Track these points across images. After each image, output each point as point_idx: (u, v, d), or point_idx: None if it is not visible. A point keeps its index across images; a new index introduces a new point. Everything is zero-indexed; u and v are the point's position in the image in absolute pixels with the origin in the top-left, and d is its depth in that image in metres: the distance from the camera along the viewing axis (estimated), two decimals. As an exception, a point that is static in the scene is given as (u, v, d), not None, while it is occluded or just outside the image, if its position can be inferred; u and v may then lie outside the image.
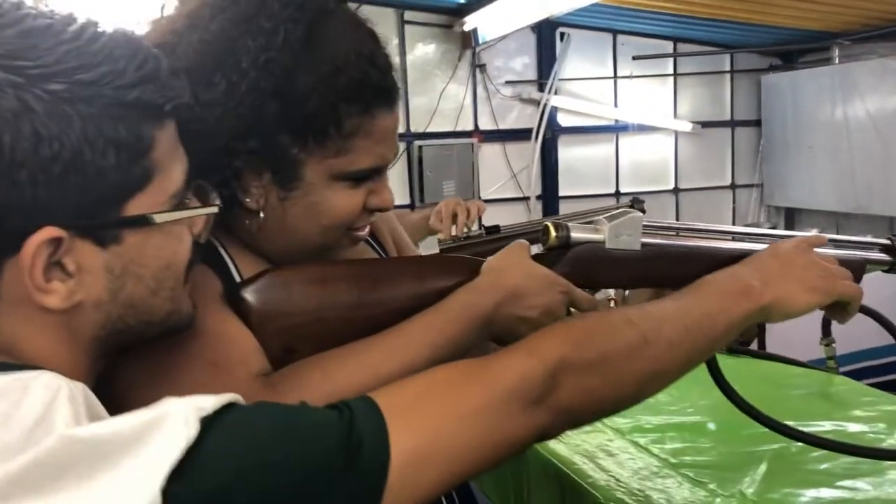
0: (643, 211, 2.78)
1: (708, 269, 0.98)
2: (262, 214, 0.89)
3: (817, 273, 0.96)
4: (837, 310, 1.02)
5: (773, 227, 8.26)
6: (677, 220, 8.25)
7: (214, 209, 0.76)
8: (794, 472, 1.32)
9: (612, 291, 1.17)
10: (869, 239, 1.26)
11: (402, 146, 7.17)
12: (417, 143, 7.10)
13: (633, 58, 7.66)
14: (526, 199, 7.70)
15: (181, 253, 0.72)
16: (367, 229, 0.97)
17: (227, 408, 0.60)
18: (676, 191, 8.33)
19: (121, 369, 0.77)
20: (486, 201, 7.47)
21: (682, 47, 7.97)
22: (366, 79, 0.87)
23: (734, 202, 8.54)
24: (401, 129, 7.17)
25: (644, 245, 1.00)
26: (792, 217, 8.39)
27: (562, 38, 7.61)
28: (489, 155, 7.53)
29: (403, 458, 0.64)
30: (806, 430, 1.52)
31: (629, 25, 7.55)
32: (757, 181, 8.49)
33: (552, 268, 0.96)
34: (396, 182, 7.06)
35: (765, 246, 1.05)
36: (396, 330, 0.86)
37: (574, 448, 1.50)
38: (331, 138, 0.87)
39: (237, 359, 0.81)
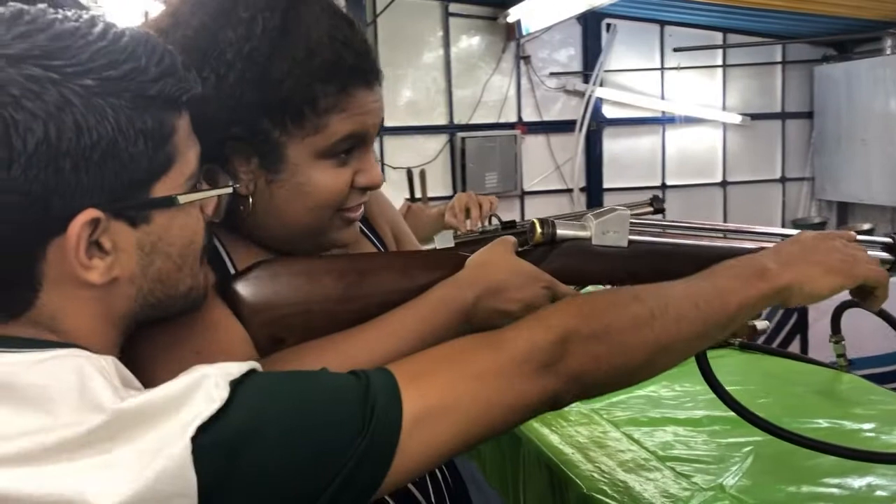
0: (662, 210, 2.75)
1: (697, 268, 0.97)
2: (251, 200, 0.92)
3: (839, 256, 0.93)
4: (865, 295, 0.99)
5: (824, 222, 8.08)
6: (725, 213, 8.14)
7: (229, 189, 0.84)
8: (780, 467, 1.33)
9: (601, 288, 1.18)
10: (874, 238, 1.24)
11: (444, 138, 7.22)
12: (460, 134, 7.13)
13: (674, 49, 7.56)
14: (569, 191, 7.67)
15: (200, 232, 0.79)
16: (360, 210, 0.98)
17: (252, 372, 0.68)
18: (724, 184, 8.19)
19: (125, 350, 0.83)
20: (529, 193, 7.52)
21: (732, 38, 7.83)
22: (340, 60, 0.89)
23: (784, 196, 8.36)
24: (444, 121, 7.23)
25: (632, 242, 1.01)
26: (844, 211, 8.18)
27: (608, 29, 7.54)
28: (532, 147, 7.52)
29: (415, 415, 0.69)
30: (800, 427, 1.53)
31: (677, 16, 7.44)
32: (808, 175, 8.30)
33: (538, 264, 0.97)
34: (439, 174, 7.11)
35: (759, 245, 1.05)
36: (374, 322, 0.89)
37: (567, 438, 1.53)
38: (307, 118, 0.89)
39: (222, 348, 0.84)
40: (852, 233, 1.06)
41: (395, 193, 4.01)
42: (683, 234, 1.10)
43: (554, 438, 1.54)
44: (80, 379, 0.63)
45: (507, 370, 0.75)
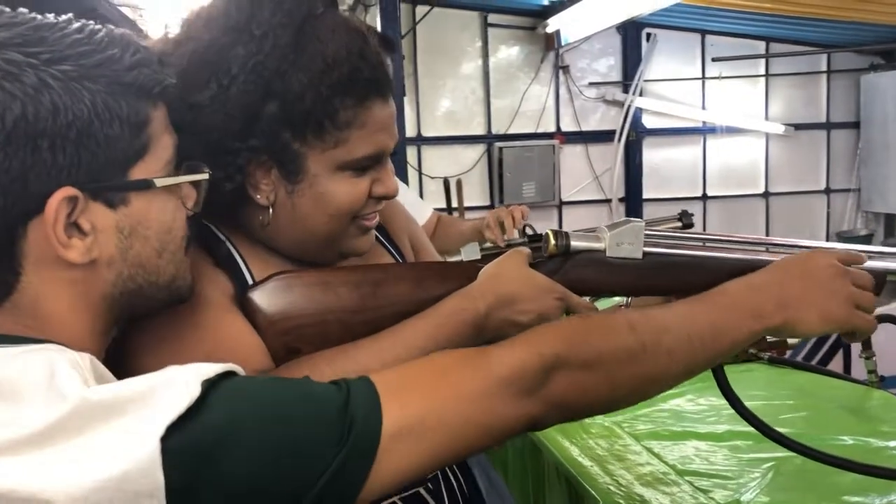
0: (691, 224, 2.72)
1: (713, 281, 0.97)
2: (271, 210, 0.94)
3: (839, 302, 0.92)
4: (846, 334, 1.00)
5: (871, 234, 7.90)
6: (767, 225, 8.01)
7: (205, 176, 0.83)
8: (800, 484, 1.31)
9: (618, 300, 1.17)
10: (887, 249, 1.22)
11: (482, 147, 7.24)
12: (498, 144, 7.14)
13: (713, 59, 7.47)
14: (608, 201, 7.63)
15: (179, 221, 0.80)
16: (374, 219, 1.00)
17: (229, 374, 0.67)
18: (767, 195, 8.07)
19: (130, 358, 0.84)
20: (567, 203, 7.49)
21: (776, 47, 7.72)
22: (356, 73, 0.91)
23: (829, 207, 8.21)
24: (481, 131, 7.25)
25: (647, 254, 1.01)
26: (892, 223, 8.00)
27: (648, 39, 7.50)
28: (571, 156, 7.50)
29: (394, 429, 0.68)
30: (824, 443, 1.51)
31: (718, 25, 7.37)
32: (854, 186, 8.14)
33: (552, 276, 0.97)
34: (476, 183, 7.13)
35: (776, 258, 1.04)
36: (387, 332, 0.90)
37: (586, 451, 1.53)
38: (328, 131, 0.91)
39: (237, 358, 0.82)
40: (864, 256, 1.03)
41: (432, 203, 4.04)
42: (699, 245, 1.09)
43: (573, 450, 1.54)
44: (50, 371, 0.63)
45: (490, 392, 0.74)
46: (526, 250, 1.01)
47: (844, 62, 7.94)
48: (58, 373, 0.63)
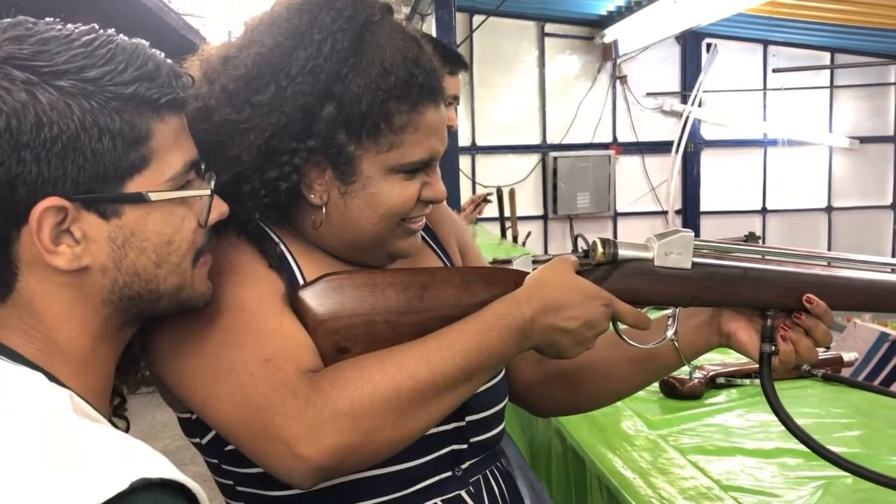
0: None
1: (761, 293, 0.98)
2: (324, 210, 0.96)
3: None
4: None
5: (939, 252, 7.64)
6: (829, 240, 7.81)
7: (205, 192, 0.83)
8: (848, 503, 1.27)
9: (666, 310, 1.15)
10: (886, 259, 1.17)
11: (537, 157, 7.22)
12: (553, 154, 7.12)
13: (774, 70, 7.33)
14: (664, 213, 7.53)
15: (183, 233, 0.81)
16: (421, 222, 1.01)
17: (160, 486, 0.66)
18: (829, 209, 7.87)
19: (183, 358, 0.87)
20: (622, 215, 7.42)
21: (841, 58, 7.54)
22: (411, 78, 0.93)
23: (895, 223, 7.95)
24: (536, 140, 7.24)
25: (696, 265, 0.99)
26: (962, 241, 7.73)
27: (708, 49, 7.39)
28: (627, 167, 7.43)
29: None
30: (876, 463, 1.46)
31: (782, 36, 7.23)
32: (922, 201, 7.89)
33: (599, 284, 0.97)
34: (530, 193, 7.11)
35: (828, 273, 1.01)
36: (434, 336, 0.91)
37: (629, 462, 1.51)
38: (383, 134, 0.93)
39: (289, 355, 0.85)
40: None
41: (485, 212, 4.04)
42: (750, 258, 1.07)
43: (616, 462, 1.52)
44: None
45: None
46: (573, 258, 1.01)
47: (914, 74, 7.72)
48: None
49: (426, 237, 1.12)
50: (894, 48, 7.30)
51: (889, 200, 7.96)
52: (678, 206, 7.58)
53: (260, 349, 0.86)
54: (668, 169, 7.45)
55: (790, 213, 7.81)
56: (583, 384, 1.12)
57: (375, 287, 0.94)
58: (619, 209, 7.46)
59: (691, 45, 7.33)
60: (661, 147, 7.43)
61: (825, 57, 7.55)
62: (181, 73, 0.82)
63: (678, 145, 7.38)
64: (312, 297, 0.91)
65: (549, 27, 7.13)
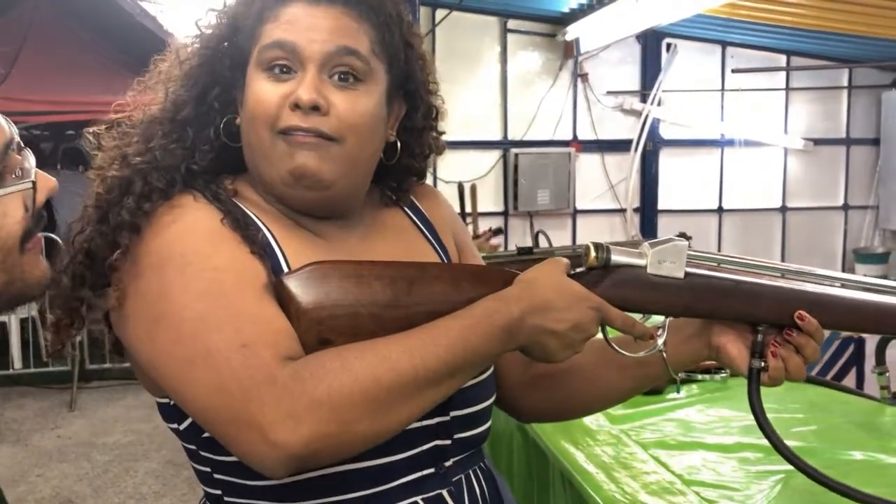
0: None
1: (753, 307, 0.96)
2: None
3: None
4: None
5: (888, 253, 7.83)
6: (783, 239, 7.96)
7: (25, 185, 0.83)
8: (807, 498, 1.29)
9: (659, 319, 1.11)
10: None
11: (498, 153, 7.23)
12: (514, 150, 7.13)
13: (733, 71, 7.45)
14: (623, 211, 7.60)
15: (7, 228, 0.80)
16: (304, 139, 0.93)
17: None
18: (784, 209, 8.02)
19: (159, 341, 0.85)
20: (582, 212, 7.47)
21: (797, 61, 7.69)
22: None
23: (846, 224, 8.15)
24: (498, 136, 7.25)
25: (688, 275, 0.97)
26: (910, 242, 7.93)
27: (668, 49, 7.47)
28: (587, 165, 7.48)
29: None
30: (834, 457, 1.48)
31: (740, 37, 7.34)
32: (872, 203, 8.07)
33: (590, 288, 0.95)
34: (491, 189, 7.11)
35: (819, 290, 0.99)
36: (419, 330, 0.89)
37: (592, 458, 1.51)
38: (254, 31, 0.95)
39: (268, 341, 0.83)
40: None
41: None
42: (741, 270, 1.05)
43: (579, 457, 1.52)
44: None
45: None
46: (564, 260, 0.98)
47: (866, 78, 7.89)
48: None
49: (423, 228, 1.10)
50: (847, 53, 7.45)
51: (841, 201, 8.14)
52: (636, 204, 7.65)
53: (238, 335, 0.83)
54: (627, 167, 7.52)
55: (746, 213, 7.94)
56: (568, 389, 1.10)
57: (361, 278, 0.91)
58: (579, 206, 7.51)
59: (651, 45, 7.40)
60: (621, 145, 7.49)
61: (781, 59, 7.68)
62: None
63: (637, 144, 7.45)
64: (297, 286, 0.89)
65: (511, 23, 7.13)
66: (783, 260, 8.05)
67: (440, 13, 6.75)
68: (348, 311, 0.89)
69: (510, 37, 7.16)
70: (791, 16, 6.40)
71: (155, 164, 0.93)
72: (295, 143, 0.93)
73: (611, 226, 7.58)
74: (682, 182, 7.75)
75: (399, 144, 1.04)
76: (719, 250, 7.91)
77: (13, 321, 5.71)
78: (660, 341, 0.98)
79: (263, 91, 0.93)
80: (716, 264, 1.01)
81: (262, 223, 0.95)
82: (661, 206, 7.68)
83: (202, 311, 0.84)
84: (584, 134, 7.43)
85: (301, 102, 0.91)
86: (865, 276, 1.14)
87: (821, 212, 8.08)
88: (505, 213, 7.30)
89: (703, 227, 7.82)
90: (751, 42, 7.43)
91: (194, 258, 0.87)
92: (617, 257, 0.96)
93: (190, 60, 0.98)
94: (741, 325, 0.98)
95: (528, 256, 2.42)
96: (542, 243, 5.56)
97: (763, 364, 0.95)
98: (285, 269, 0.93)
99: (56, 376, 5.67)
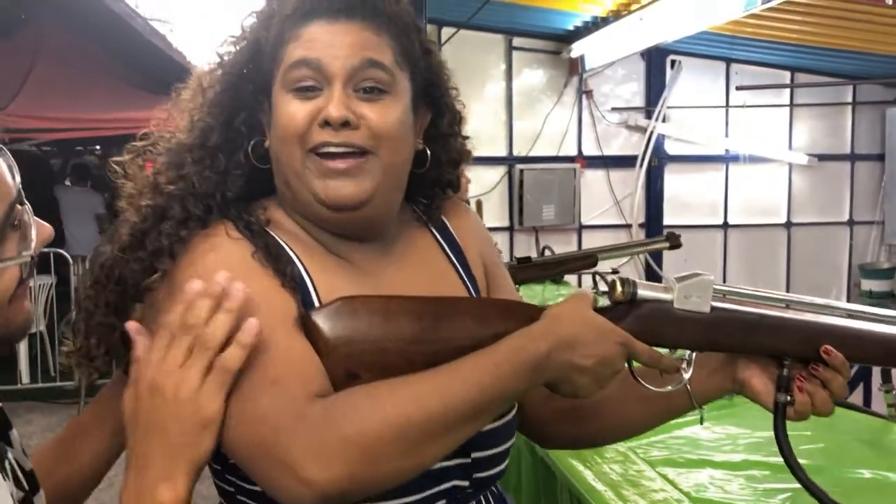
0: (679, 245, 2.69)
1: (779, 341, 0.95)
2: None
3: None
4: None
5: (893, 268, 7.82)
6: (789, 254, 7.95)
7: (26, 257, 0.86)
8: (816, 517, 1.29)
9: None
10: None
11: (503, 169, 7.26)
12: (519, 166, 7.16)
13: (737, 88, 7.47)
14: (628, 226, 7.61)
15: (1, 286, 0.83)
16: (337, 162, 0.92)
17: None
18: (789, 224, 8.02)
19: None
20: (587, 227, 7.48)
21: (801, 77, 7.71)
22: (302, 4, 0.95)
23: (851, 239, 8.14)
24: (503, 153, 7.27)
25: (714, 309, 0.96)
26: (915, 258, 7.92)
27: (672, 66, 7.51)
28: (592, 181, 7.50)
29: None
30: (842, 475, 1.49)
31: (744, 54, 7.37)
32: (878, 218, 8.07)
33: (616, 323, 0.94)
34: (496, 205, 7.14)
35: (845, 324, 0.98)
36: (448, 367, 0.87)
37: (600, 476, 1.52)
38: (278, 54, 0.95)
39: (297, 377, 0.83)
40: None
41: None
42: (767, 303, 1.03)
43: (587, 475, 1.53)
44: None
45: None
46: (590, 294, 0.98)
47: (870, 94, 7.91)
48: None
49: (451, 255, 1.08)
50: (851, 69, 7.48)
51: (846, 217, 8.14)
52: (642, 219, 7.66)
53: (268, 371, 0.83)
54: (632, 183, 7.54)
55: (751, 229, 7.94)
56: (592, 422, 1.09)
57: (389, 314, 0.91)
58: (584, 221, 7.52)
59: (656, 62, 7.43)
60: (626, 161, 7.51)
61: (786, 76, 7.71)
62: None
63: (642, 160, 7.47)
64: (325, 321, 0.89)
65: (516, 41, 7.18)
66: (788, 276, 8.05)
67: (447, 31, 6.80)
68: (376, 346, 0.89)
69: (516, 54, 7.21)
70: (795, 33, 6.43)
71: (190, 191, 0.93)
72: (328, 169, 0.92)
73: (616, 241, 7.57)
74: (687, 198, 7.76)
75: (428, 152, 1.03)
76: (724, 266, 7.93)
77: (21, 337, 5.73)
78: (686, 375, 0.97)
79: (292, 110, 0.93)
80: (741, 297, 1.02)
81: (295, 254, 0.95)
82: (666, 222, 7.68)
83: None
84: (590, 150, 7.46)
85: (332, 119, 0.91)
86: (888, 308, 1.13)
87: (826, 227, 8.08)
88: (510, 229, 7.32)
89: (709, 243, 7.83)
90: (755, 59, 7.46)
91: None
92: (643, 292, 0.95)
93: (213, 87, 0.98)
94: (765, 359, 0.98)
95: (527, 264, 2.44)
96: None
97: (789, 398, 0.94)
98: (316, 303, 0.92)
99: (64, 392, 5.68)
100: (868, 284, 7.86)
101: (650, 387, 0.97)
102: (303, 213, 0.97)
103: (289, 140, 0.93)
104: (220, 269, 0.87)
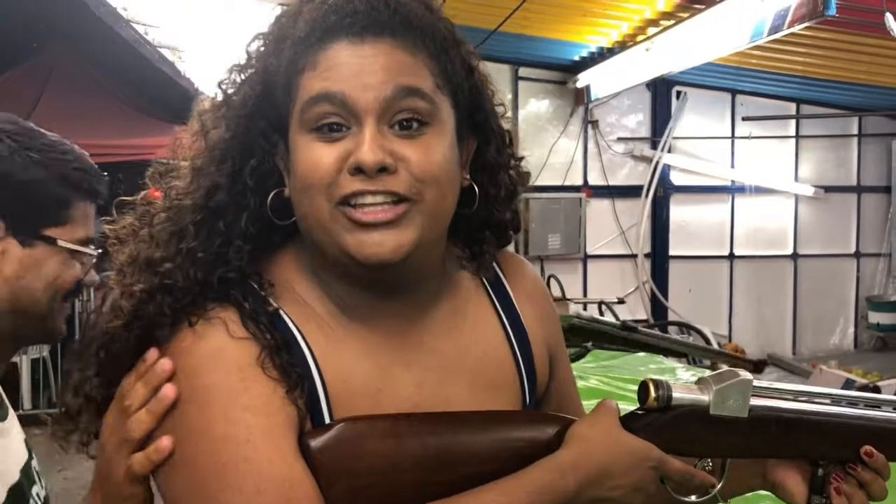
0: (761, 371, 2.39)
1: (818, 443, 0.89)
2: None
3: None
4: None
5: (901, 300, 7.77)
6: (795, 286, 7.91)
7: (93, 253, 1.13)
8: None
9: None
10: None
11: (509, 198, 7.26)
12: (524, 195, 7.14)
13: (744, 118, 7.48)
14: (633, 256, 7.59)
15: (67, 276, 1.09)
16: (369, 213, 0.77)
17: None
18: (795, 256, 7.99)
19: (175, 488, 0.75)
20: (592, 257, 7.46)
21: (806, 109, 7.73)
22: (320, 18, 0.78)
23: (858, 271, 8.10)
24: (509, 182, 7.28)
25: (752, 410, 0.88)
26: (923, 290, 7.88)
27: (678, 97, 7.53)
28: (597, 210, 7.50)
29: None
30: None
31: (749, 86, 7.40)
32: (885, 251, 8.04)
33: (648, 431, 0.86)
34: (502, 233, 7.13)
35: (887, 418, 0.92)
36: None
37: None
38: (293, 85, 0.79)
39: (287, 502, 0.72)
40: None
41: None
42: (802, 400, 0.95)
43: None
44: None
45: None
46: (615, 406, 0.87)
47: (875, 126, 7.92)
48: None
49: (503, 317, 0.92)
50: (857, 101, 7.49)
51: (852, 249, 8.11)
52: (647, 249, 7.65)
53: (259, 497, 0.72)
54: (637, 213, 7.53)
55: (757, 260, 7.91)
56: None
57: (400, 438, 0.79)
58: (590, 251, 7.51)
59: (661, 93, 7.46)
60: (632, 191, 7.52)
61: (791, 107, 7.73)
62: (96, 170, 1.14)
63: (648, 190, 7.47)
64: (325, 452, 0.76)
65: (523, 71, 7.23)
66: (795, 308, 8.00)
67: (453, 60, 6.84)
68: (385, 479, 0.78)
69: (522, 84, 7.25)
70: (801, 65, 6.46)
71: (185, 273, 0.79)
72: (363, 222, 0.76)
73: (621, 271, 7.57)
74: (692, 228, 7.75)
75: (476, 188, 0.86)
76: (731, 297, 7.89)
77: (24, 361, 5.72)
78: (719, 485, 0.88)
79: (314, 156, 0.77)
80: (777, 393, 0.93)
81: (303, 337, 0.81)
82: (672, 252, 7.67)
83: (223, 461, 0.72)
84: (595, 179, 7.47)
85: (366, 167, 0.75)
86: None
87: (833, 259, 8.05)
88: (515, 258, 7.31)
89: (714, 274, 7.81)
90: (760, 90, 7.48)
91: (221, 393, 0.74)
92: (679, 395, 0.86)
93: (218, 130, 0.82)
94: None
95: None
96: (553, 287, 5.54)
97: (825, 501, 0.88)
98: (323, 402, 0.79)
99: (65, 417, 5.64)
100: (876, 317, 7.81)
101: (682, 498, 0.87)
102: (331, 269, 0.83)
103: (312, 191, 0.77)
104: (216, 364, 0.75)
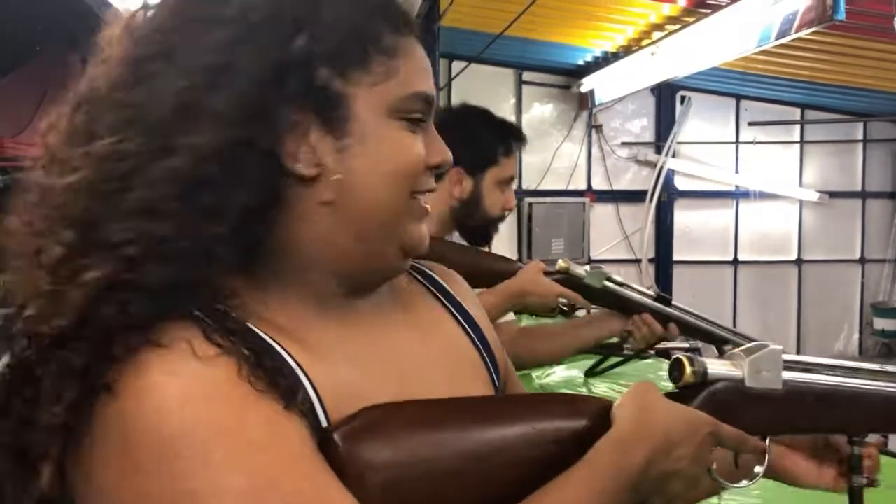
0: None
1: (858, 413, 0.87)
2: (321, 179, 0.71)
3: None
4: None
5: (906, 307, 7.73)
6: (800, 292, 7.87)
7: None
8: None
9: None
10: None
11: (512, 203, 7.23)
12: (528, 200, 7.14)
13: (749, 123, 7.47)
14: (637, 261, 7.56)
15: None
16: (427, 205, 0.79)
17: None
18: (799, 262, 7.96)
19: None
20: (597, 261, 7.41)
21: (811, 114, 7.70)
22: (393, 2, 0.77)
23: (863, 277, 8.06)
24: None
25: (785, 382, 0.86)
26: (928, 297, 7.84)
27: (682, 102, 7.51)
28: (601, 215, 7.47)
29: None
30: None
31: (754, 91, 7.37)
32: (890, 257, 8.00)
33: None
34: (505, 238, 7.10)
35: None
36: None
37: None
38: (373, 58, 0.73)
39: None
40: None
41: (459, 255, 4.01)
42: (842, 373, 0.93)
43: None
44: None
45: None
46: (653, 382, 0.84)
47: (881, 132, 7.89)
48: None
49: (455, 312, 0.90)
50: (862, 106, 7.47)
51: (857, 255, 8.07)
52: (651, 254, 7.61)
53: None
54: (641, 218, 7.50)
55: (761, 265, 7.88)
56: None
57: (431, 423, 0.72)
58: (594, 256, 7.47)
59: (666, 97, 7.44)
60: (636, 196, 7.48)
61: (796, 112, 7.70)
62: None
63: (652, 195, 7.44)
64: (351, 443, 0.67)
65: (526, 75, 7.20)
66: (799, 314, 7.96)
67: (458, 65, 6.81)
68: (421, 470, 0.70)
69: (525, 88, 7.23)
70: (806, 70, 6.42)
71: (160, 266, 0.64)
72: (424, 208, 0.79)
73: (625, 276, 7.42)
74: (697, 233, 7.72)
75: None
76: (735, 303, 7.86)
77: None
78: (761, 468, 0.86)
79: (412, 143, 0.75)
80: (811, 367, 0.91)
81: (279, 344, 0.69)
82: (675, 258, 7.64)
83: (243, 489, 0.59)
84: (599, 184, 7.44)
85: (445, 164, 0.79)
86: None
87: (837, 265, 8.01)
88: (518, 262, 7.27)
89: (718, 279, 7.77)
90: (765, 95, 7.45)
91: (216, 439, 0.60)
92: (714, 370, 0.84)
93: (216, 54, 0.67)
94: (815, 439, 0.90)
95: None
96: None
97: (867, 480, 0.86)
98: (318, 408, 0.68)
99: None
100: (881, 323, 7.77)
101: (726, 483, 0.83)
102: (336, 269, 0.76)
103: (400, 179, 0.74)
104: (198, 403, 0.60)
